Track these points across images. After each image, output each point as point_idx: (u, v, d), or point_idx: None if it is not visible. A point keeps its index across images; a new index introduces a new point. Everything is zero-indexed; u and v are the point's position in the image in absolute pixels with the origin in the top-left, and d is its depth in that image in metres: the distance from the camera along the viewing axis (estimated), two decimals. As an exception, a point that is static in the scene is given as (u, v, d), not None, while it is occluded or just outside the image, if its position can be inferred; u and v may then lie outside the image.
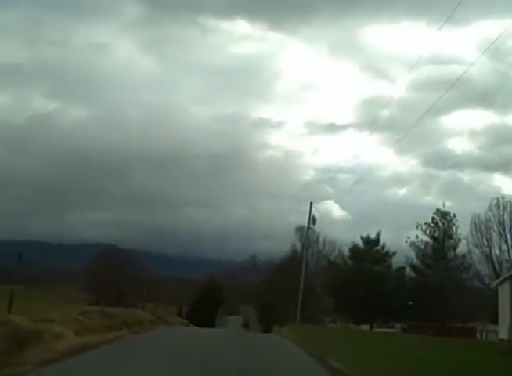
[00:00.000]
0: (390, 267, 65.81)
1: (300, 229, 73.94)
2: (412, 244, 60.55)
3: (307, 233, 52.63)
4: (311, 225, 52.11)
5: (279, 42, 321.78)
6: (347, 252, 68.26)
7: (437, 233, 60.92)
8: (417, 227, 60.69)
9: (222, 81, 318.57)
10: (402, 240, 63.40)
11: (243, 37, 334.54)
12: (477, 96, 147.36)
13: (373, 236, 66.38)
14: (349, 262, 67.80)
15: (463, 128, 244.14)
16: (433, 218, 60.91)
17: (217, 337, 28.55)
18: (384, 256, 65.29)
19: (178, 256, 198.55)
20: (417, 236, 60.79)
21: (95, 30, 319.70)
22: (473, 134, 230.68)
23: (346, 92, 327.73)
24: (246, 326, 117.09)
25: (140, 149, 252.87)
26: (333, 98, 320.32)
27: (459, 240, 60.48)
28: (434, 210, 61.56)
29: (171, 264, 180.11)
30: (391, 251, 64.94)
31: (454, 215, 60.59)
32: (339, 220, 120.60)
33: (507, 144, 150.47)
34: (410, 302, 60.47)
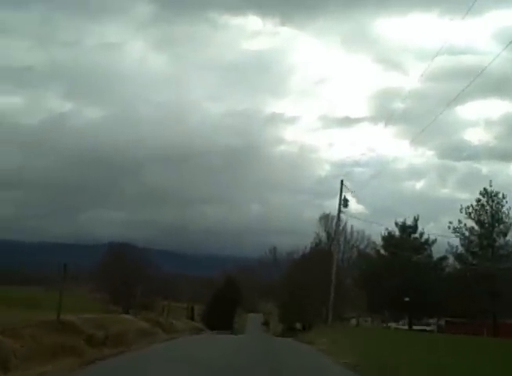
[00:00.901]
0: (430, 257, 55.82)
1: (324, 217, 64.78)
2: (455, 230, 50.54)
3: (338, 217, 43.14)
4: (342, 209, 42.61)
5: (290, 37, 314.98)
6: (378, 241, 58.56)
7: (483, 217, 50.90)
8: (460, 211, 50.79)
9: (235, 77, 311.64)
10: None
11: (254, 32, 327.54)
12: (492, 86, 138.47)
13: (409, 222, 56.40)
14: (383, 251, 58.05)
15: (479, 118, 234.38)
16: (478, 200, 50.92)
17: (230, 354, 18.96)
18: (423, 244, 55.44)
19: (193, 254, 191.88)
20: (460, 222, 50.85)
21: (107, 30, 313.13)
22: (489, 124, 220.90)
23: (359, 85, 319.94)
24: (266, 324, 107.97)
25: (154, 147, 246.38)
26: (347, 91, 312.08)
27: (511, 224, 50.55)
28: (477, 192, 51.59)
29: (186, 262, 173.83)
30: (431, 238, 55.00)
31: (503, 197, 50.53)
32: (357, 214, 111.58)
33: None
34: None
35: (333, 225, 64.40)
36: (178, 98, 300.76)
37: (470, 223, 51.98)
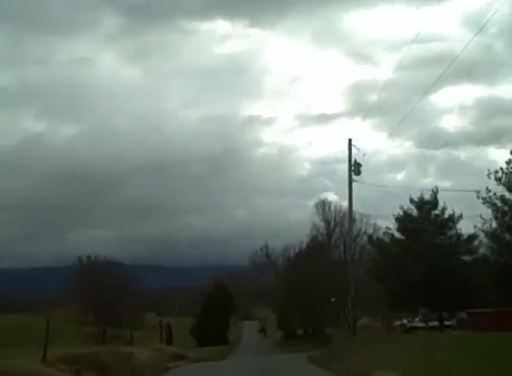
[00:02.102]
0: (458, 237, 43.74)
1: (320, 203, 52.82)
2: (485, 200, 38.85)
3: (350, 188, 30.81)
4: (354, 177, 30.63)
5: (261, 38, 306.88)
6: (391, 225, 46.59)
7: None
8: (488, 176, 39.16)
9: (209, 82, 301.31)
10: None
11: (224, 36, 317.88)
12: (463, 72, 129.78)
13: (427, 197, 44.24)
14: (398, 235, 46.05)
15: (453, 105, 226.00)
16: (509, 162, 39.36)
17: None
18: (447, 222, 43.42)
19: (181, 266, 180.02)
20: (488, 190, 39.25)
21: (77, 45, 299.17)
22: (463, 110, 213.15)
23: (333, 81, 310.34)
24: (263, 331, 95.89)
25: (133, 159, 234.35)
26: (321, 88, 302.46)
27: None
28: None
29: (174, 275, 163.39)
30: (457, 214, 43.03)
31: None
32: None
33: (497, 116, 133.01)
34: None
35: (331, 213, 52.75)
36: (154, 108, 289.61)
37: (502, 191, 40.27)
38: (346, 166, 31.21)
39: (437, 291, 40.39)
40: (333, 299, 42.21)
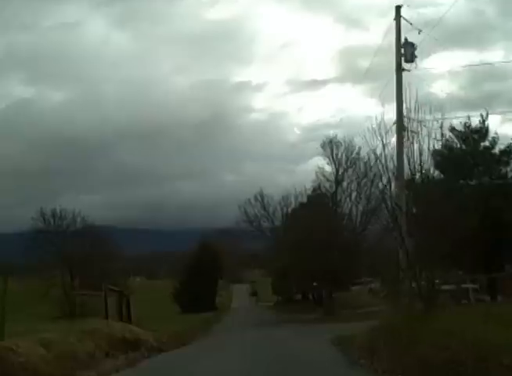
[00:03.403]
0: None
1: (327, 143, 40.92)
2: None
3: (398, 81, 18.40)
4: (405, 66, 18.43)
5: (250, 3, 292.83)
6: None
7: None
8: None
9: (198, 48, 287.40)
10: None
11: (213, 1, 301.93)
12: (454, 37, 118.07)
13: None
14: (437, 174, 34.05)
15: (444, 70, 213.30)
16: None
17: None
18: (502, 155, 31.37)
19: (170, 230, 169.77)
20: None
21: (64, 10, 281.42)
22: (453, 75, 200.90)
23: (324, 46, 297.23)
24: (254, 294, 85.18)
25: (122, 125, 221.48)
26: (312, 53, 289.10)
27: None
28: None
29: (164, 238, 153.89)
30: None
31: None
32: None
33: (488, 81, 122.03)
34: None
35: (341, 153, 40.85)
36: (143, 74, 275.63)
37: None
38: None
39: (492, 247, 28.93)
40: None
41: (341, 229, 39.87)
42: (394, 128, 17.59)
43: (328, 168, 41.59)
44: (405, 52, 18.98)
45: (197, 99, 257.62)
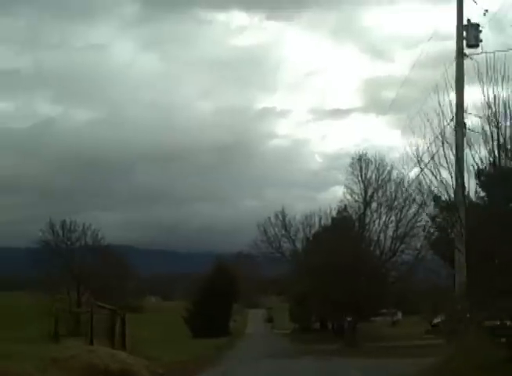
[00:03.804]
0: None
1: (357, 161, 37.54)
2: None
3: (459, 68, 15.26)
4: (468, 51, 15.31)
5: (277, 31, 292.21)
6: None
7: None
8: None
9: (224, 74, 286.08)
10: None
11: (241, 28, 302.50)
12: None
13: None
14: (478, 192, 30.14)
15: (468, 103, 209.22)
16: None
17: None
18: None
19: (187, 252, 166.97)
20: None
21: (93, 31, 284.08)
22: (477, 109, 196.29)
23: (349, 76, 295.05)
24: (270, 321, 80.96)
25: (146, 147, 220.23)
26: (337, 82, 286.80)
27: None
28: None
29: (180, 260, 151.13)
30: None
31: None
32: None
33: None
34: None
35: (370, 172, 37.35)
36: (168, 97, 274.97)
37: None
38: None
39: None
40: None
41: (369, 255, 36.16)
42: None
43: (356, 189, 38.11)
44: (468, 35, 15.68)
45: (220, 124, 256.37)
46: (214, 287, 54.74)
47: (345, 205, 39.52)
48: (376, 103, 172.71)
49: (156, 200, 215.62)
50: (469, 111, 14.56)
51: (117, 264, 60.10)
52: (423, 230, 32.42)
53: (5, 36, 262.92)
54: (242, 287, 74.19)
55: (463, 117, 13.89)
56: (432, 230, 30.44)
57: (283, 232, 39.98)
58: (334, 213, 40.38)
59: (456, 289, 13.57)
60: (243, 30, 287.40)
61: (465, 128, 13.93)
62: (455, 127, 13.73)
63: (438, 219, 31.80)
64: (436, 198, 31.48)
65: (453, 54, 13.69)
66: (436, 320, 49.04)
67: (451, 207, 26.91)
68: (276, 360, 22.02)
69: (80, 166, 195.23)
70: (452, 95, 13.10)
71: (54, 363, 10.89)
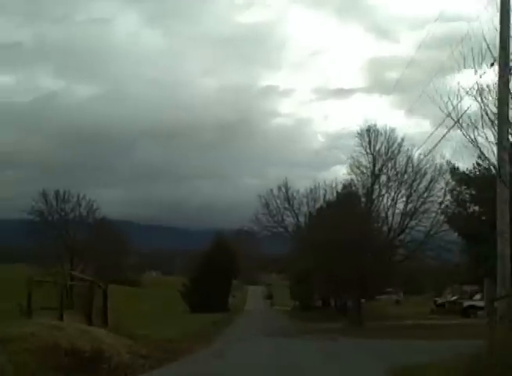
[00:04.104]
0: None
1: (365, 131, 35.02)
2: None
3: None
4: None
5: (282, 8, 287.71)
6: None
7: None
8: None
9: (228, 51, 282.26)
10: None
11: (245, 4, 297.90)
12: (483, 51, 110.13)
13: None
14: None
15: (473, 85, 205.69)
16: None
17: None
18: None
19: (188, 229, 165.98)
20: None
21: (96, 5, 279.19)
22: (481, 91, 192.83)
23: (353, 56, 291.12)
24: (270, 298, 79.49)
25: (147, 123, 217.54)
26: (341, 62, 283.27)
27: None
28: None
29: (181, 237, 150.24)
30: None
31: None
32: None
33: None
34: None
35: (379, 144, 34.88)
36: (171, 73, 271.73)
37: None
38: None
39: None
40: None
41: (376, 231, 33.96)
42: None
43: (364, 161, 35.59)
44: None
45: (223, 101, 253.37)
46: (213, 263, 52.84)
47: (351, 179, 37.18)
48: (380, 84, 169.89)
49: (157, 177, 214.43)
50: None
51: (114, 239, 58.23)
52: (440, 204, 30.20)
53: (7, 9, 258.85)
54: (242, 263, 72.42)
55: (508, 59, 11.44)
56: (450, 204, 28.30)
57: (286, 205, 37.57)
58: (340, 188, 38.06)
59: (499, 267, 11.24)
60: (248, 6, 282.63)
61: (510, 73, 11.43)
62: (499, 64, 11.22)
63: (455, 192, 29.77)
64: (453, 170, 29.25)
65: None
66: (441, 300, 47.26)
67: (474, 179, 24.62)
68: (277, 341, 19.91)
69: (81, 141, 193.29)
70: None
71: (8, 343, 8.72)
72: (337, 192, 39.59)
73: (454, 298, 43.08)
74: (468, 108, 11.60)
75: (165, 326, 23.13)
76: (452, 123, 11.43)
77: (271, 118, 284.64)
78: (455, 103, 10.64)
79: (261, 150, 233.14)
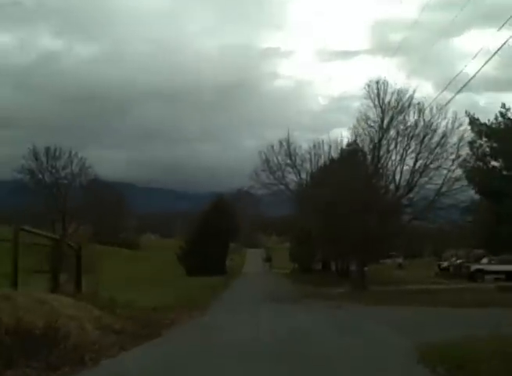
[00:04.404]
0: None
1: (374, 83, 32.22)
2: None
3: None
4: None
5: None
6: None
7: None
8: None
9: (229, 11, 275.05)
10: None
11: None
12: (489, 15, 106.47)
13: None
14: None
15: (477, 48, 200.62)
16: None
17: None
18: None
19: (187, 191, 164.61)
20: None
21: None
22: (487, 54, 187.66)
23: (356, 17, 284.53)
24: (269, 260, 77.78)
25: (147, 84, 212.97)
26: (344, 24, 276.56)
27: None
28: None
29: (180, 199, 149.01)
30: None
31: None
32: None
33: None
34: None
35: (389, 95, 32.06)
36: (171, 34, 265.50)
37: None
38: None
39: None
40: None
41: (384, 190, 31.58)
42: None
43: (372, 114, 32.83)
44: None
45: (224, 61, 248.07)
46: (211, 225, 50.70)
47: (356, 136, 34.50)
48: (383, 46, 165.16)
49: (156, 139, 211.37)
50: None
51: (112, 200, 56.09)
52: (453, 161, 27.81)
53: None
54: (241, 226, 70.53)
55: None
56: (468, 158, 25.81)
57: (288, 161, 34.98)
58: (344, 144, 35.46)
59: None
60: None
61: None
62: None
63: (475, 145, 27.25)
64: (473, 120, 26.64)
65: None
66: (445, 264, 45.44)
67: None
68: (277, 308, 17.77)
69: (81, 102, 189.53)
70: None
71: None
72: (341, 148, 37.14)
73: (460, 261, 41.28)
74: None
75: (155, 290, 20.99)
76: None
77: (271, 80, 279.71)
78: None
79: (261, 111, 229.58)
